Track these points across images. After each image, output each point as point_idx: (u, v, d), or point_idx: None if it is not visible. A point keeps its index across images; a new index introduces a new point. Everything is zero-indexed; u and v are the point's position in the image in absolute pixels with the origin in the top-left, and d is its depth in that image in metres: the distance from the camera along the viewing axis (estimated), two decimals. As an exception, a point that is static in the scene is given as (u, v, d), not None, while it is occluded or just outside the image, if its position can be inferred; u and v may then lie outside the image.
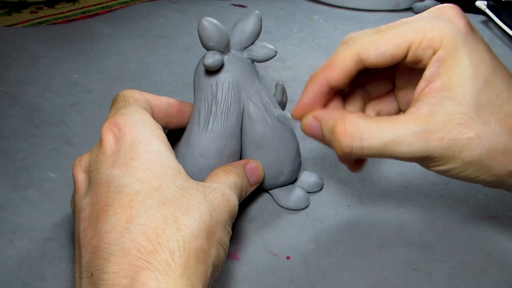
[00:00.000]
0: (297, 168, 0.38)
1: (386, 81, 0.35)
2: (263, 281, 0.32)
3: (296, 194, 0.38)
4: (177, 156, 0.34)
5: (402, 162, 0.42)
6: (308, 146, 0.44)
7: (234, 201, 0.30)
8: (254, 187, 0.36)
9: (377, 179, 0.41)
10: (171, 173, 0.28)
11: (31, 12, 0.72)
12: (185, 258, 0.25)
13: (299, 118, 0.34)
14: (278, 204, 0.38)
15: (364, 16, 0.76)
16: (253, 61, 0.36)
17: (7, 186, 0.39)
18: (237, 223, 0.36)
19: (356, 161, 0.34)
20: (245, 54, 0.36)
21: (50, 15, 0.71)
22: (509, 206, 0.39)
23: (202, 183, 0.30)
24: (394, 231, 0.36)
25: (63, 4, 0.75)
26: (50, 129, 0.46)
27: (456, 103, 0.28)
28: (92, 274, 0.25)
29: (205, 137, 0.34)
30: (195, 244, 0.26)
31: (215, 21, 0.34)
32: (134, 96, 0.33)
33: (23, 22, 0.69)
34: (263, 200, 0.39)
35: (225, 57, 0.35)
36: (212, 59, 0.33)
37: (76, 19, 0.70)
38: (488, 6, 0.72)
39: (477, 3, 0.73)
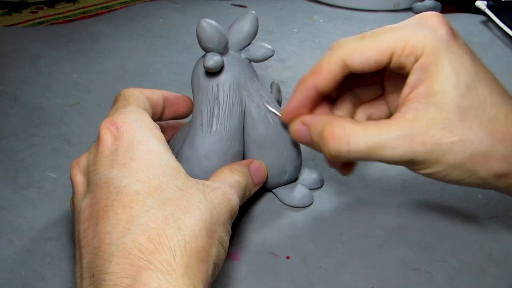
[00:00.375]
0: (299, 166, 0.39)
1: (376, 85, 0.36)
2: (263, 281, 0.32)
3: (299, 192, 0.38)
4: (181, 159, 0.35)
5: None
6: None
7: (234, 201, 0.30)
8: (257, 187, 0.36)
9: (377, 179, 0.41)
10: (170, 173, 0.28)
11: (31, 12, 0.72)
12: (187, 258, 0.25)
13: (288, 121, 0.35)
14: (282, 202, 0.38)
15: (364, 16, 0.76)
16: (250, 61, 0.36)
17: (7, 186, 0.39)
18: (237, 223, 0.36)
19: (345, 164, 0.35)
20: (243, 55, 0.35)
21: (50, 15, 0.71)
22: (509, 206, 0.39)
23: (202, 181, 0.30)
24: (394, 231, 0.36)
25: (63, 4, 0.75)
26: (50, 129, 0.46)
27: (439, 108, 0.29)
28: (93, 275, 0.25)
29: (209, 139, 0.34)
30: (196, 243, 0.26)
31: (214, 22, 0.34)
32: (135, 95, 0.33)
33: (23, 22, 0.69)
34: (264, 200, 0.39)
35: (224, 58, 0.35)
36: (212, 60, 0.33)
37: (76, 19, 0.70)
38: (488, 6, 0.72)
39: (477, 3, 0.73)
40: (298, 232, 0.36)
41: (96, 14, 0.72)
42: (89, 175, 0.29)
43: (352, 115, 0.36)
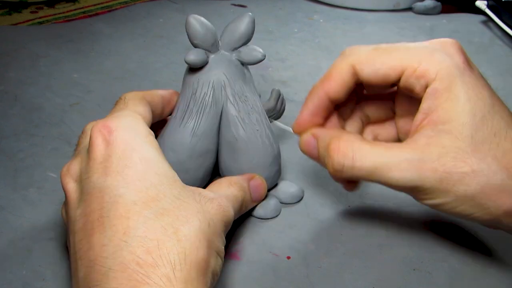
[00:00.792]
0: (273, 176, 0.37)
1: (387, 107, 0.35)
2: (264, 281, 0.32)
3: (265, 203, 0.37)
4: None
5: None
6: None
7: (230, 213, 0.30)
8: (255, 204, 0.36)
9: (377, 179, 0.41)
10: (167, 182, 0.27)
11: (31, 12, 0.72)
12: (186, 271, 0.24)
13: (300, 132, 0.34)
14: None
15: (364, 16, 0.76)
16: (243, 63, 0.36)
17: (7, 186, 0.39)
18: (237, 223, 0.36)
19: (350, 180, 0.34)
20: (234, 56, 0.35)
21: (50, 15, 0.71)
22: (509, 206, 0.39)
23: (198, 191, 0.29)
24: (394, 231, 0.36)
25: (63, 4, 0.75)
26: (50, 129, 0.46)
27: (453, 137, 0.28)
28: None
29: (178, 132, 0.34)
30: (196, 255, 0.25)
31: (202, 19, 0.34)
32: (135, 100, 0.32)
33: (23, 22, 0.69)
34: (265, 200, 0.38)
35: (212, 56, 0.34)
36: (193, 55, 0.33)
37: (76, 19, 0.70)
38: (488, 6, 0.72)
39: (477, 3, 0.73)
40: (298, 232, 0.36)
41: (96, 14, 0.72)
42: (82, 182, 0.28)
43: (360, 133, 0.36)
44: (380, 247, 0.35)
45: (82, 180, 0.28)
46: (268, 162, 0.36)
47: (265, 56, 0.35)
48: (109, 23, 0.68)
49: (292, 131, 0.35)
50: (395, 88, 0.33)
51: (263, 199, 0.37)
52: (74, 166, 0.29)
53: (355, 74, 0.31)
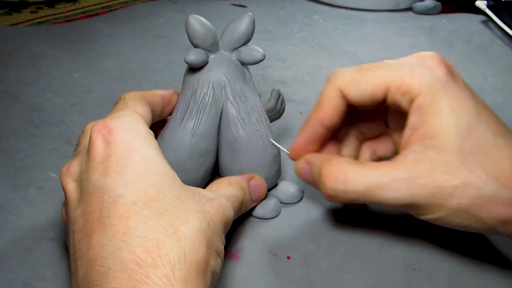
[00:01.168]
0: (273, 176, 0.37)
1: (380, 122, 0.36)
2: (264, 281, 0.32)
3: (264, 203, 0.37)
4: None
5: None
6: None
7: (229, 213, 0.30)
8: (255, 204, 0.36)
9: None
10: (167, 182, 0.27)
11: (31, 12, 0.72)
12: (186, 271, 0.24)
13: (294, 159, 0.34)
14: None
15: (364, 16, 0.76)
16: (243, 63, 0.36)
17: (7, 186, 0.39)
18: (237, 223, 0.36)
19: None
20: (234, 55, 0.35)
21: (50, 15, 0.71)
22: (509, 206, 0.39)
23: (198, 191, 0.29)
24: (394, 231, 0.36)
25: (63, 4, 0.75)
26: (50, 129, 0.46)
27: (440, 151, 0.28)
28: None
29: (178, 132, 0.34)
30: (195, 255, 0.25)
31: (202, 19, 0.34)
32: (135, 100, 0.32)
33: (23, 22, 0.69)
34: (265, 200, 0.38)
35: (212, 56, 0.34)
36: (192, 55, 0.33)
37: (76, 19, 0.70)
38: (488, 6, 0.72)
39: (477, 3, 0.73)
40: (299, 232, 0.36)
41: (96, 14, 0.72)
42: (82, 182, 0.28)
43: (357, 151, 0.36)
44: (380, 247, 0.35)
45: (82, 180, 0.28)
46: (268, 162, 0.36)
47: (265, 56, 0.35)
48: (109, 23, 0.68)
49: (288, 155, 0.35)
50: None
51: (263, 199, 0.37)
52: (74, 166, 0.29)
53: (343, 97, 0.31)
